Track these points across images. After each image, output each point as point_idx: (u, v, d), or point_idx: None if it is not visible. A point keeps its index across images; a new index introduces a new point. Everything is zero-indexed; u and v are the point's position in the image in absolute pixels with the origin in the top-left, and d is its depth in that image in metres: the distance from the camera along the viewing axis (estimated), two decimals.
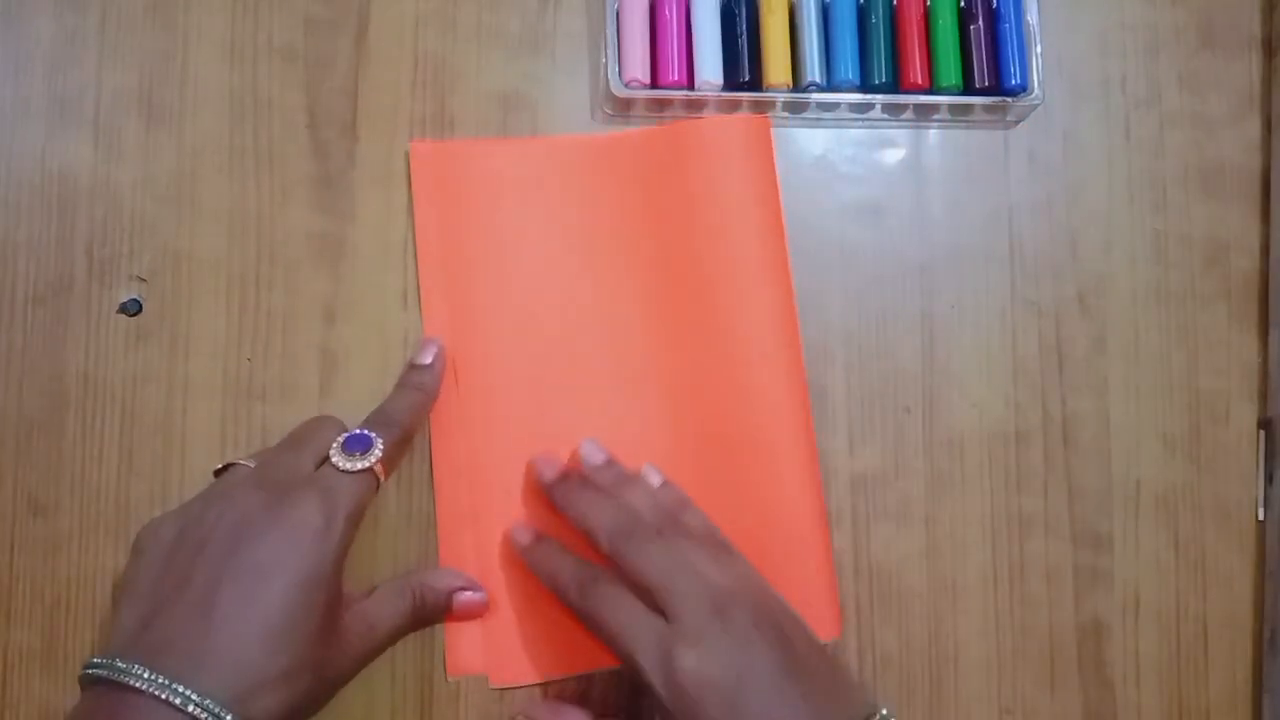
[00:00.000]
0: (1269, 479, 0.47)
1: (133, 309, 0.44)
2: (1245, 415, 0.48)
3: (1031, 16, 0.47)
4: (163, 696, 0.32)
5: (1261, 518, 0.47)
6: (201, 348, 0.44)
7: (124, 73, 0.45)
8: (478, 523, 0.44)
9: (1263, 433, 0.48)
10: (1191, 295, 0.48)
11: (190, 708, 0.32)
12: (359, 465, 0.38)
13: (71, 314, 0.44)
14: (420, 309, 0.45)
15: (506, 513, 0.44)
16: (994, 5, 0.47)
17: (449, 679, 0.43)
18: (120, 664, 0.33)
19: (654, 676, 0.35)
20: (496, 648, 0.43)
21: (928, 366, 0.47)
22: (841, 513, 0.46)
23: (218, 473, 0.41)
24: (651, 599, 0.37)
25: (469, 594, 0.42)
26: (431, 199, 0.45)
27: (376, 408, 0.42)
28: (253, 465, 0.39)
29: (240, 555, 0.35)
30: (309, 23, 0.46)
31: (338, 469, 0.38)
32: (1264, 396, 0.48)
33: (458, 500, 0.44)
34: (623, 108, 0.46)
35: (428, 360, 0.43)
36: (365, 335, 0.45)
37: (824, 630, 0.43)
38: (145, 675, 0.33)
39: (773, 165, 0.46)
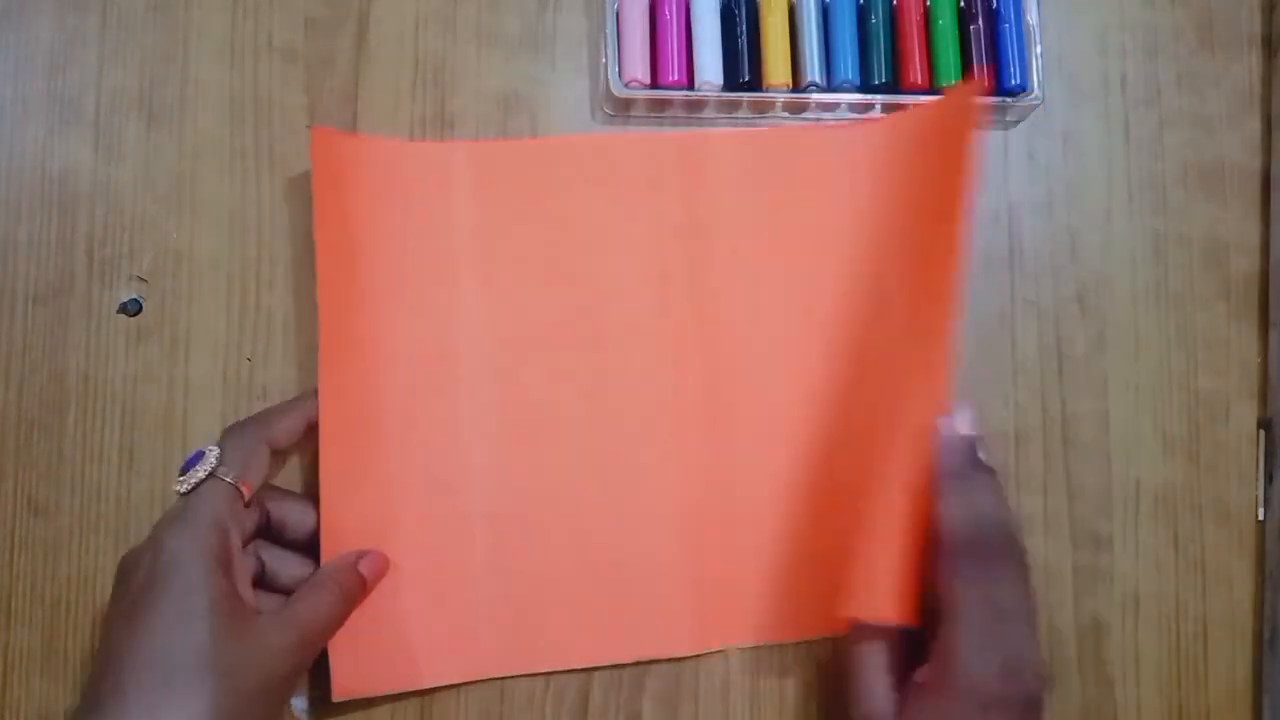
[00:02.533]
0: (1269, 479, 0.47)
1: (133, 309, 0.44)
2: (1245, 415, 0.48)
3: (1031, 16, 0.47)
4: None
5: (1261, 518, 0.47)
6: (201, 348, 0.44)
7: (124, 73, 0.45)
8: (362, 532, 0.41)
9: (1263, 433, 0.48)
10: (1191, 295, 0.48)
11: None
12: (189, 484, 0.37)
13: (72, 314, 0.44)
14: (318, 312, 0.41)
15: (393, 522, 0.42)
16: (994, 5, 0.47)
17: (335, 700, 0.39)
18: None
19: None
20: (372, 659, 0.40)
21: None
22: None
23: None
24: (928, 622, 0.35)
25: (365, 559, 0.40)
26: (331, 191, 0.42)
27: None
28: None
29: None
30: (309, 23, 0.46)
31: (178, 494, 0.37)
32: (1264, 396, 0.48)
33: (342, 509, 0.41)
34: (622, 108, 0.46)
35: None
36: None
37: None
38: None
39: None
